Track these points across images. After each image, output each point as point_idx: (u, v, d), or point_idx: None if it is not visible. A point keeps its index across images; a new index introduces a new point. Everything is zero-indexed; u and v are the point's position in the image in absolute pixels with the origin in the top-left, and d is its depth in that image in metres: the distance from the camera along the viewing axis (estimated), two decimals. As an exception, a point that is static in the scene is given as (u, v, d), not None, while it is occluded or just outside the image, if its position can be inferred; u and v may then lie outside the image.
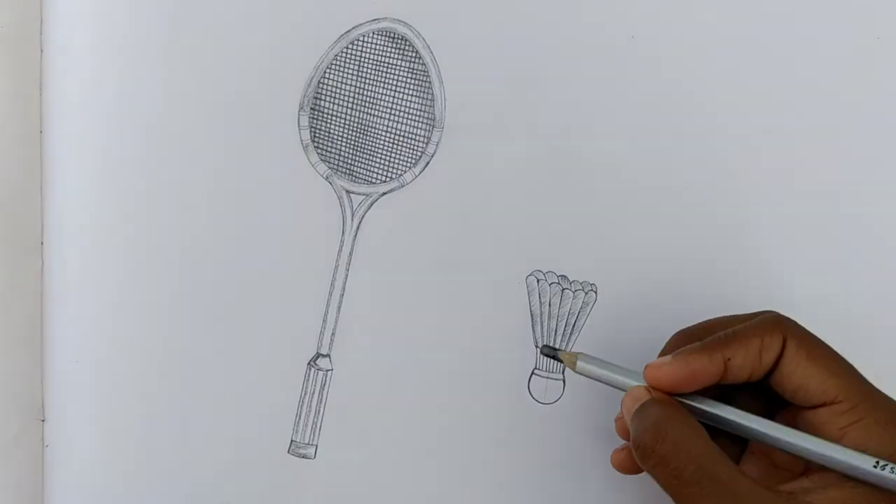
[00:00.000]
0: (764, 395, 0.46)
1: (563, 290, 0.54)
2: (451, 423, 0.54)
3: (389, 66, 0.54)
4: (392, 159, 0.55)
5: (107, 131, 0.53)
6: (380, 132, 0.55)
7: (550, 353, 0.49)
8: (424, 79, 0.54)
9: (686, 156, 0.55)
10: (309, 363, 0.54)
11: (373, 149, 0.55)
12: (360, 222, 0.54)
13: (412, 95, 0.54)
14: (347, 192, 0.54)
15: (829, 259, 0.55)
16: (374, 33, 0.54)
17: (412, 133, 0.55)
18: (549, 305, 0.54)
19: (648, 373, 0.45)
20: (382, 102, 0.55)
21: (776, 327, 0.45)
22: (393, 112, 0.55)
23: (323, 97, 0.54)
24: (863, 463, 0.42)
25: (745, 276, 0.55)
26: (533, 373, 0.54)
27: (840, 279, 0.55)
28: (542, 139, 0.54)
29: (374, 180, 0.55)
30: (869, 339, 0.55)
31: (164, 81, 0.53)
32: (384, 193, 0.55)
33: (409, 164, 0.55)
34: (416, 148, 0.55)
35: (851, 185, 0.55)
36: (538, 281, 0.54)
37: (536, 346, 0.54)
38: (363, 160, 0.55)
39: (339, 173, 0.54)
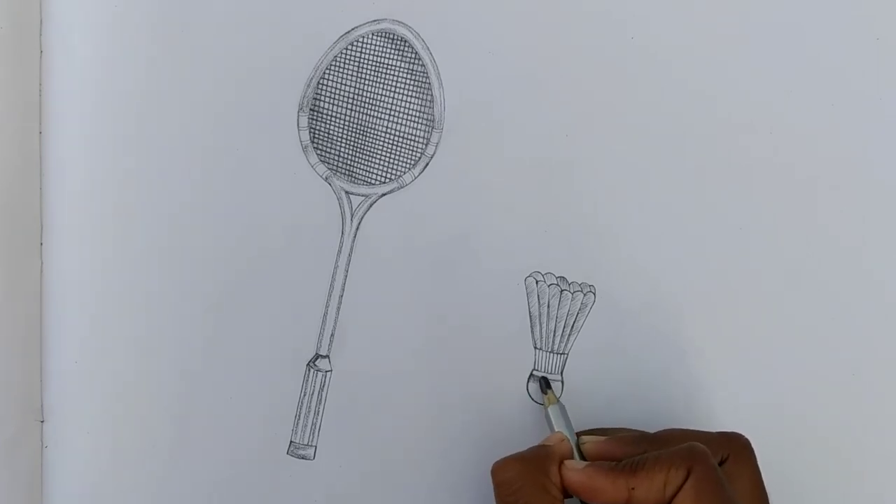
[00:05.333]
0: None
1: (562, 291, 0.54)
2: (449, 423, 0.54)
3: (389, 67, 0.55)
4: (391, 160, 0.55)
5: (106, 132, 0.53)
6: (379, 133, 0.55)
7: (543, 385, 0.53)
8: (424, 80, 0.54)
9: (685, 157, 0.55)
10: (308, 364, 0.54)
11: (372, 150, 0.55)
12: (359, 223, 0.54)
13: (411, 97, 0.55)
14: (347, 192, 0.54)
15: (831, 258, 0.55)
16: (373, 34, 0.54)
17: (411, 134, 0.55)
18: (548, 307, 0.54)
19: (563, 469, 0.48)
20: (382, 103, 0.55)
21: (683, 461, 0.46)
22: (392, 113, 0.55)
23: (322, 98, 0.54)
24: None
25: (744, 276, 0.55)
26: (531, 374, 0.54)
27: (841, 278, 0.55)
28: (541, 140, 0.54)
29: (373, 181, 0.55)
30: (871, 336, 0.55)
31: (163, 82, 0.54)
32: (383, 194, 0.55)
33: (408, 166, 0.55)
34: (415, 149, 0.55)
35: (852, 185, 0.55)
36: (537, 282, 0.54)
37: (535, 348, 0.54)
38: (362, 161, 0.55)
39: (338, 174, 0.55)
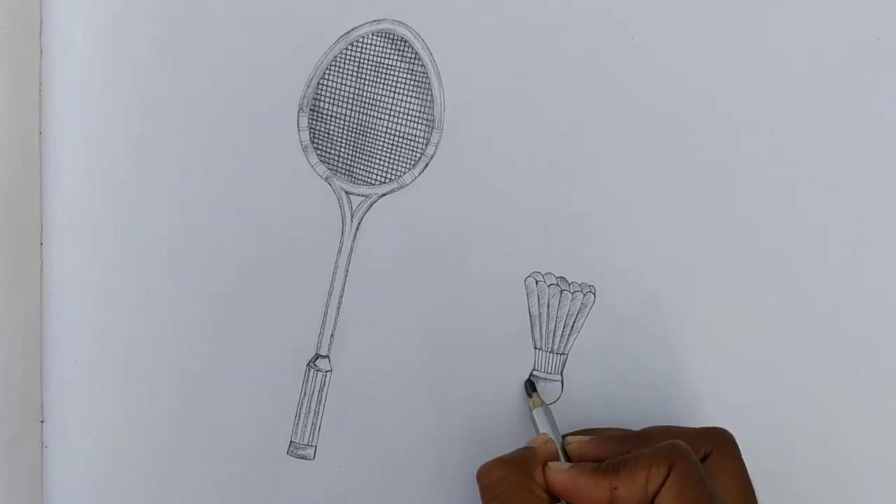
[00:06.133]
0: None
1: (562, 291, 0.54)
2: (449, 423, 0.54)
3: (389, 67, 0.55)
4: (391, 160, 0.55)
5: (106, 131, 0.53)
6: (379, 133, 0.55)
7: (528, 387, 0.53)
8: (424, 80, 0.54)
9: (685, 157, 0.55)
10: (308, 364, 0.54)
11: (372, 150, 0.55)
12: (359, 223, 0.54)
13: (411, 97, 0.55)
14: (347, 193, 0.54)
15: (830, 258, 0.55)
16: (373, 34, 0.54)
17: (411, 134, 0.55)
18: (548, 307, 0.54)
19: (546, 470, 0.48)
20: (382, 104, 0.55)
21: (664, 458, 0.46)
22: (392, 113, 0.55)
23: (322, 98, 0.54)
24: None
25: (744, 276, 0.55)
26: (532, 374, 0.54)
27: (841, 278, 0.55)
28: (541, 140, 0.54)
29: (373, 181, 0.55)
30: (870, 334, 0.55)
31: (163, 82, 0.54)
32: (383, 195, 0.55)
33: (408, 166, 0.55)
34: (415, 149, 0.55)
35: (852, 185, 0.55)
36: (537, 282, 0.54)
37: (535, 348, 0.54)
38: (362, 161, 0.55)
39: (338, 174, 0.55)
